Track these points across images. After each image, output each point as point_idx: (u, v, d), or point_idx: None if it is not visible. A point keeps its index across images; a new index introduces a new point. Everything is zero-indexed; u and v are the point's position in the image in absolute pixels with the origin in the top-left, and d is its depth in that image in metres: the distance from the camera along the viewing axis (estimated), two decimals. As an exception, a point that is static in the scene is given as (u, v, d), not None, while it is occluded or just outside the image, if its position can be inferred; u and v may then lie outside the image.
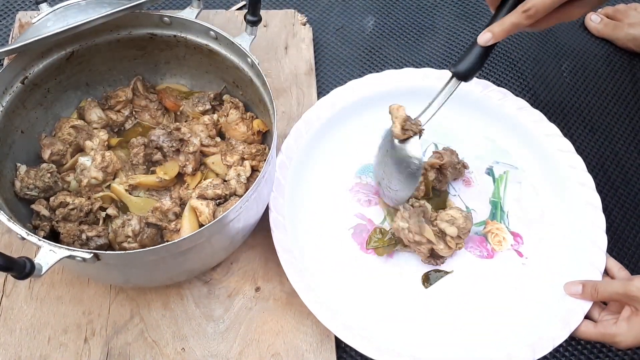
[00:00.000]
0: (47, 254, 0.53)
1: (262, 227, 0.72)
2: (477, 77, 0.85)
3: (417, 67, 0.95)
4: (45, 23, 0.65)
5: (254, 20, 0.69)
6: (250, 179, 0.72)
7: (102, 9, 0.65)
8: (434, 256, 0.74)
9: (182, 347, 0.68)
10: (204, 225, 0.61)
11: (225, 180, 0.72)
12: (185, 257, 0.61)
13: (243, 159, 0.74)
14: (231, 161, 0.73)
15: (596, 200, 0.76)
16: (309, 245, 0.75)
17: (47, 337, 0.67)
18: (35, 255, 0.71)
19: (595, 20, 1.02)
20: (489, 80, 0.95)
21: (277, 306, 0.71)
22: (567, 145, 0.80)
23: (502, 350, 0.68)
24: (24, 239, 0.54)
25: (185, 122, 0.78)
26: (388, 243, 0.75)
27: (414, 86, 0.84)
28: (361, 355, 0.69)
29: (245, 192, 0.69)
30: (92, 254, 0.53)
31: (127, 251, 0.57)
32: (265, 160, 0.72)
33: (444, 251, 0.72)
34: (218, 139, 0.77)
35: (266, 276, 0.73)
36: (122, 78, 0.79)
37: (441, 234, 0.73)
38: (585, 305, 0.68)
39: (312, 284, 0.69)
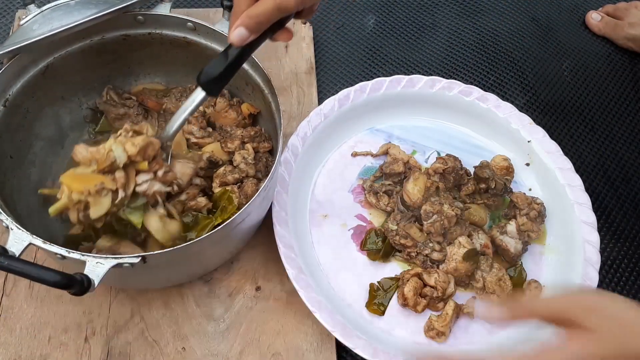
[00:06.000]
0: (95, 267, 0.52)
1: (263, 227, 0.72)
2: (485, 83, 0.85)
3: (418, 65, 0.95)
4: (31, 26, 0.65)
5: (230, 5, 0.68)
6: (254, 160, 0.73)
7: (88, 10, 0.64)
8: (430, 261, 0.74)
9: (183, 346, 0.68)
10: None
11: (234, 166, 0.72)
12: (221, 245, 0.63)
13: (243, 142, 0.74)
14: (232, 147, 0.74)
15: (592, 220, 0.76)
16: (309, 244, 0.75)
17: (47, 337, 0.67)
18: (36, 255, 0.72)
19: (595, 19, 1.02)
20: (489, 79, 0.95)
21: (278, 306, 0.71)
22: (567, 163, 0.80)
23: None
24: (64, 257, 0.53)
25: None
26: (383, 246, 0.75)
27: (421, 92, 0.85)
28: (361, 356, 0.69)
29: (255, 172, 0.71)
30: (140, 258, 0.53)
31: (173, 247, 0.57)
32: (263, 140, 0.74)
33: (435, 255, 0.73)
34: (210, 129, 0.77)
35: (267, 276, 0.73)
36: (96, 86, 0.77)
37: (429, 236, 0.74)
38: None
39: (311, 282, 0.69)
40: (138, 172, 0.61)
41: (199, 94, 0.59)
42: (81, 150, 0.61)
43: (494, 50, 0.99)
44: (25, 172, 0.71)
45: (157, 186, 0.62)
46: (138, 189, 0.61)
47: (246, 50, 0.56)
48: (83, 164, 0.61)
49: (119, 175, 0.59)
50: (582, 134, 0.91)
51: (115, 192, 0.60)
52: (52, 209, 0.60)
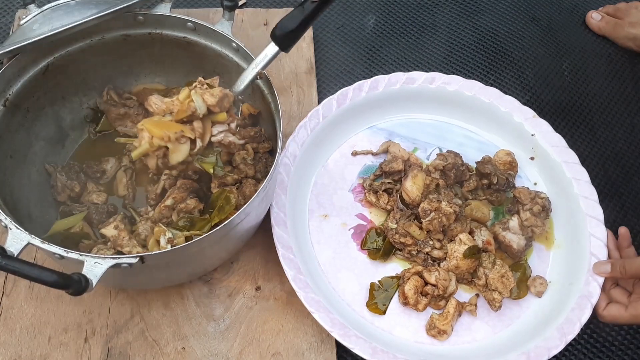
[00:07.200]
0: (93, 267, 0.52)
1: (263, 227, 0.72)
2: (485, 83, 0.85)
3: (418, 65, 0.95)
4: (31, 25, 0.65)
5: (230, 5, 0.69)
6: (254, 161, 0.73)
7: (88, 10, 0.64)
8: (430, 259, 0.74)
9: (183, 346, 0.68)
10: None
11: (234, 167, 0.72)
12: (220, 245, 0.64)
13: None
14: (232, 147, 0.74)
15: (598, 214, 0.75)
16: (309, 244, 0.75)
17: (47, 337, 0.67)
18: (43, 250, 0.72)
19: (596, 18, 1.02)
20: (489, 79, 0.95)
21: (278, 305, 0.71)
22: (572, 156, 0.80)
23: (499, 357, 0.67)
24: (62, 257, 0.53)
25: None
26: (383, 245, 0.75)
27: (421, 89, 0.84)
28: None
29: (255, 173, 0.72)
30: (138, 258, 0.53)
31: (172, 248, 0.57)
32: (263, 141, 0.75)
33: (436, 252, 0.73)
34: None
35: (266, 275, 0.73)
36: (97, 85, 0.77)
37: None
38: (583, 317, 0.68)
39: (310, 282, 0.69)
40: (214, 124, 0.65)
41: (272, 49, 0.61)
42: (155, 101, 0.63)
43: (493, 50, 0.99)
44: (25, 172, 0.71)
45: (231, 137, 0.66)
46: (213, 139, 0.65)
47: (323, 4, 0.56)
48: (157, 114, 0.63)
49: (197, 125, 0.63)
50: (582, 133, 0.91)
51: (193, 142, 0.63)
52: (135, 153, 0.63)
